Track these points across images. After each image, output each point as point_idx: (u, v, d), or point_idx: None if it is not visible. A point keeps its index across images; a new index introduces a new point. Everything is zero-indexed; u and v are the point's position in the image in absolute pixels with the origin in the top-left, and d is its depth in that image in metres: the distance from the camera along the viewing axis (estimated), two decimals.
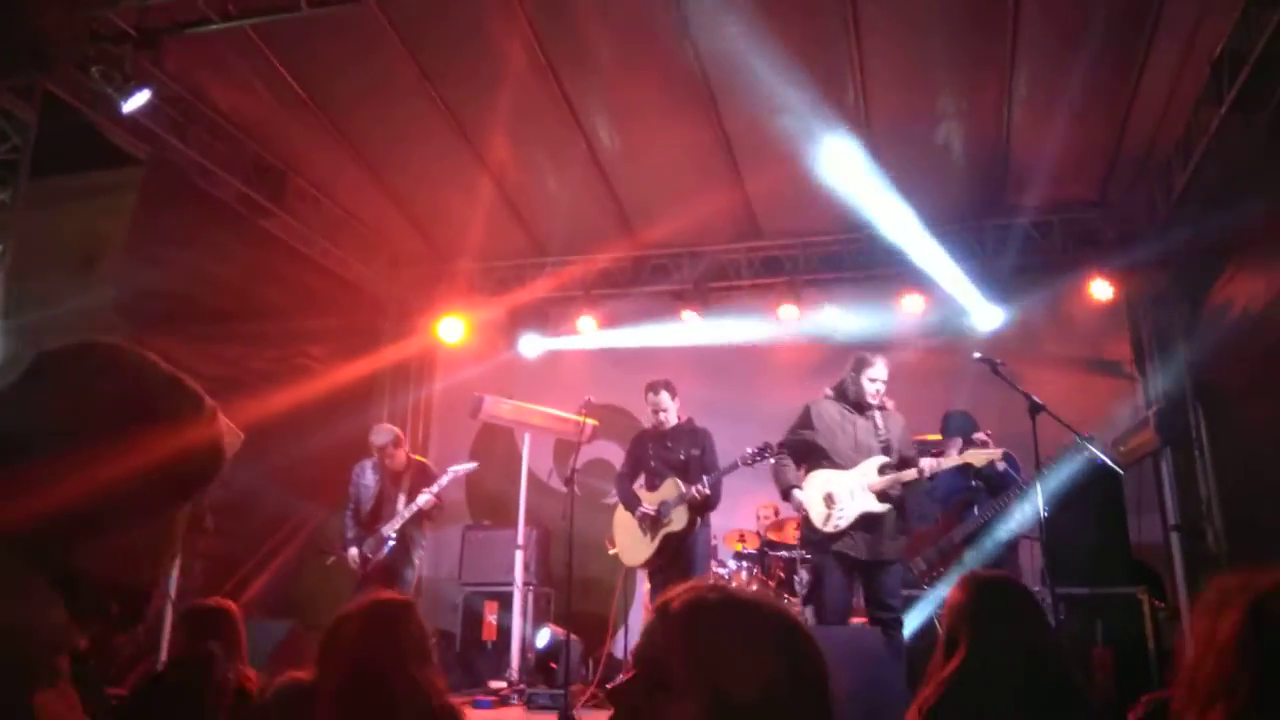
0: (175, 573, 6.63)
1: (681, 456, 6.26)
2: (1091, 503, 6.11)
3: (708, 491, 6.04)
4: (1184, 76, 6.35)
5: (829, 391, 5.80)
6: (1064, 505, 5.68)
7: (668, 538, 6.11)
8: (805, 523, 5.59)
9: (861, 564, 5.40)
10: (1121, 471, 6.13)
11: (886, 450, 5.53)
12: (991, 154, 7.52)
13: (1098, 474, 5.96)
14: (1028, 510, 5.66)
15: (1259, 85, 5.51)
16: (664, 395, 6.34)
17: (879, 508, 5.37)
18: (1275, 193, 5.72)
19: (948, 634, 2.67)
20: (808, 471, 5.65)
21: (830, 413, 5.66)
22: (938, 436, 6.43)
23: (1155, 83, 6.51)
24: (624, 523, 6.42)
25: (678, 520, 6.08)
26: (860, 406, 5.63)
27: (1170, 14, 5.87)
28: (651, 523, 6.17)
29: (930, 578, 5.97)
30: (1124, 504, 6.65)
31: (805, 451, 5.67)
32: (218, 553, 7.98)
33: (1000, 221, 8.21)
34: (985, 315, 7.98)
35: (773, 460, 5.78)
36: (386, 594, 2.62)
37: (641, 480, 6.47)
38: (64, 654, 1.01)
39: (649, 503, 6.22)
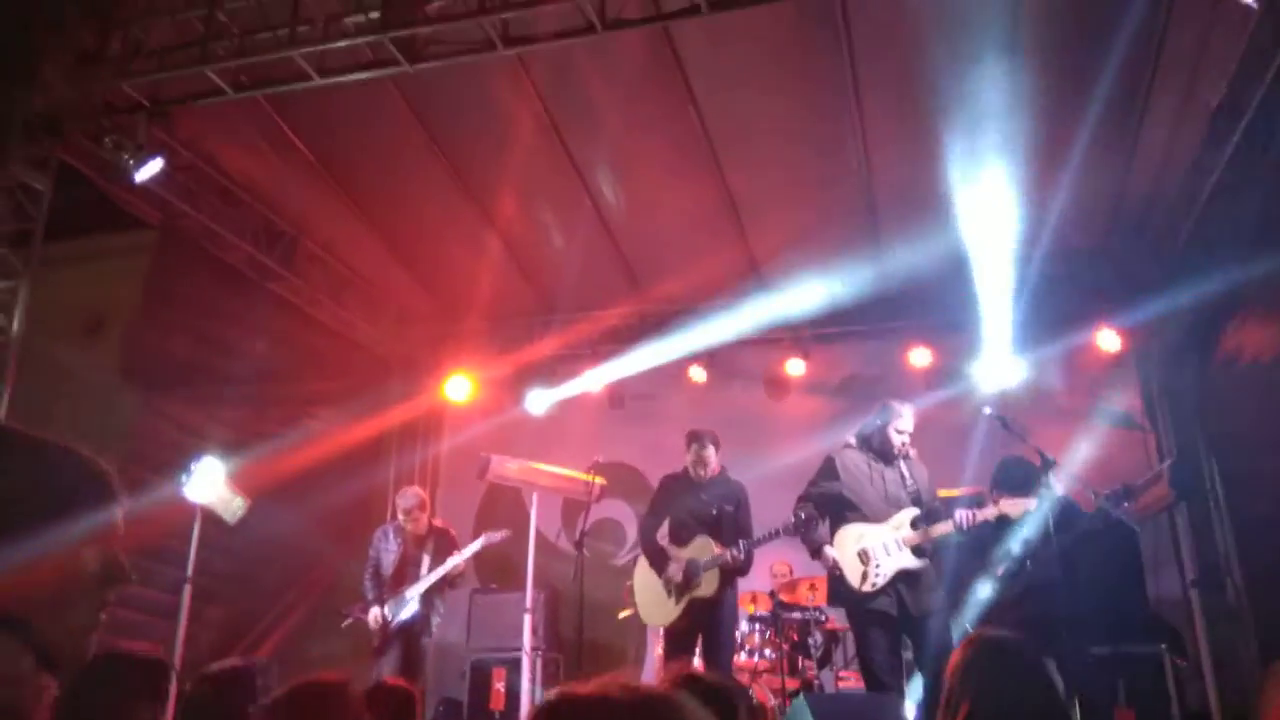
0: (180, 643, 6.54)
1: (714, 511, 5.77)
2: (1109, 559, 5.99)
3: (743, 557, 5.60)
4: (1184, 126, 6.40)
5: (851, 440, 5.54)
6: (1081, 560, 5.56)
7: (694, 602, 5.64)
8: (837, 581, 5.27)
9: (905, 621, 5.12)
10: (1137, 529, 6.02)
11: (917, 501, 5.28)
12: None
13: (1114, 530, 5.87)
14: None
15: (1259, 134, 5.55)
16: (710, 449, 5.90)
17: (917, 563, 5.12)
18: (1277, 240, 5.72)
19: (948, 695, 2.61)
20: (833, 525, 5.37)
21: (857, 463, 5.40)
22: (954, 492, 6.28)
23: (1156, 133, 6.56)
24: (645, 579, 5.93)
25: (707, 585, 5.61)
26: (886, 457, 5.38)
27: (1168, 64, 5.93)
28: (678, 585, 5.67)
29: None
30: (1141, 560, 6.53)
31: (830, 504, 5.39)
32: (222, 620, 7.90)
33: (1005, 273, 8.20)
34: (994, 368, 7.93)
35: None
36: (315, 677, 2.51)
37: (665, 531, 5.94)
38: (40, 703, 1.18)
39: (676, 560, 5.73)
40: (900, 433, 5.38)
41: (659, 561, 5.79)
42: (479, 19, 5.31)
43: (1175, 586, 7.22)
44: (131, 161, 6.13)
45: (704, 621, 5.65)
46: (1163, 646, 5.89)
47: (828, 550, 5.31)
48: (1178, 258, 7.26)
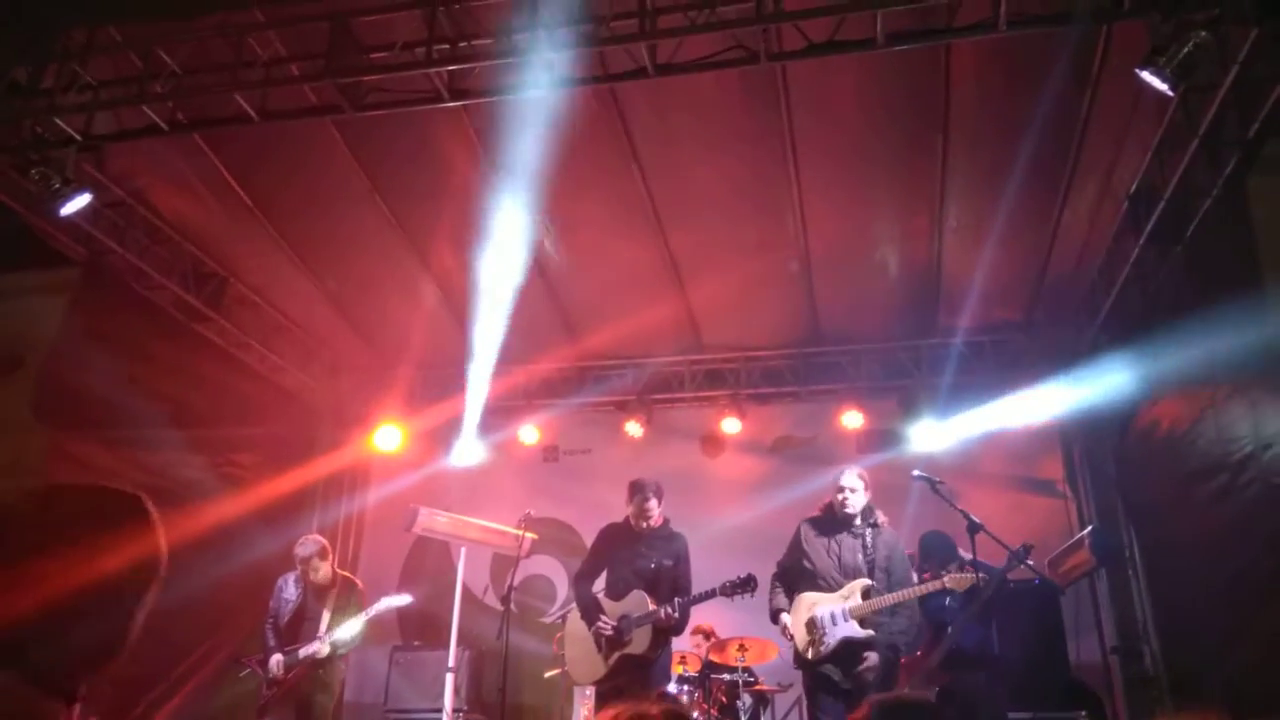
0: (79, 699, 6.19)
1: (653, 565, 5.63)
2: (1031, 624, 6.07)
3: (677, 615, 5.45)
4: (1103, 208, 6.69)
5: (819, 511, 5.61)
6: (1004, 621, 5.63)
7: (624, 659, 5.48)
8: (794, 646, 5.37)
9: (845, 692, 5.11)
10: (1062, 591, 6.14)
11: (873, 570, 5.27)
12: (924, 278, 7.78)
13: (1037, 594, 5.96)
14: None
15: (1173, 218, 5.82)
16: (653, 501, 5.72)
17: (861, 634, 5.12)
18: (1194, 320, 5.97)
19: None
20: (797, 594, 5.43)
21: (816, 532, 5.47)
22: None
23: (1077, 214, 6.85)
24: (576, 633, 5.76)
25: (639, 642, 5.45)
26: (844, 523, 5.41)
27: (1089, 151, 6.23)
28: (608, 641, 5.51)
29: None
30: (1062, 623, 6.64)
31: (794, 574, 5.46)
32: (128, 674, 7.52)
33: (934, 341, 8.43)
34: (923, 433, 8.07)
35: (751, 594, 5.46)
36: None
37: (602, 583, 5.82)
38: None
39: (610, 614, 5.55)
40: (840, 491, 5.40)
41: (591, 614, 5.62)
42: (425, 70, 5.33)
43: (1096, 652, 7.34)
44: (58, 196, 5.96)
45: (633, 681, 5.46)
46: (1083, 713, 5.97)
47: (784, 617, 5.36)
48: (1098, 333, 7.52)
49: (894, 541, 5.45)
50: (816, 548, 5.41)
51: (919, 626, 5.48)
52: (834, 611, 5.20)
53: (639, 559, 5.70)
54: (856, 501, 5.40)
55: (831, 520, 5.47)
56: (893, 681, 5.23)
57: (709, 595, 5.50)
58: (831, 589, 5.28)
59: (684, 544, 5.81)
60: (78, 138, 6.01)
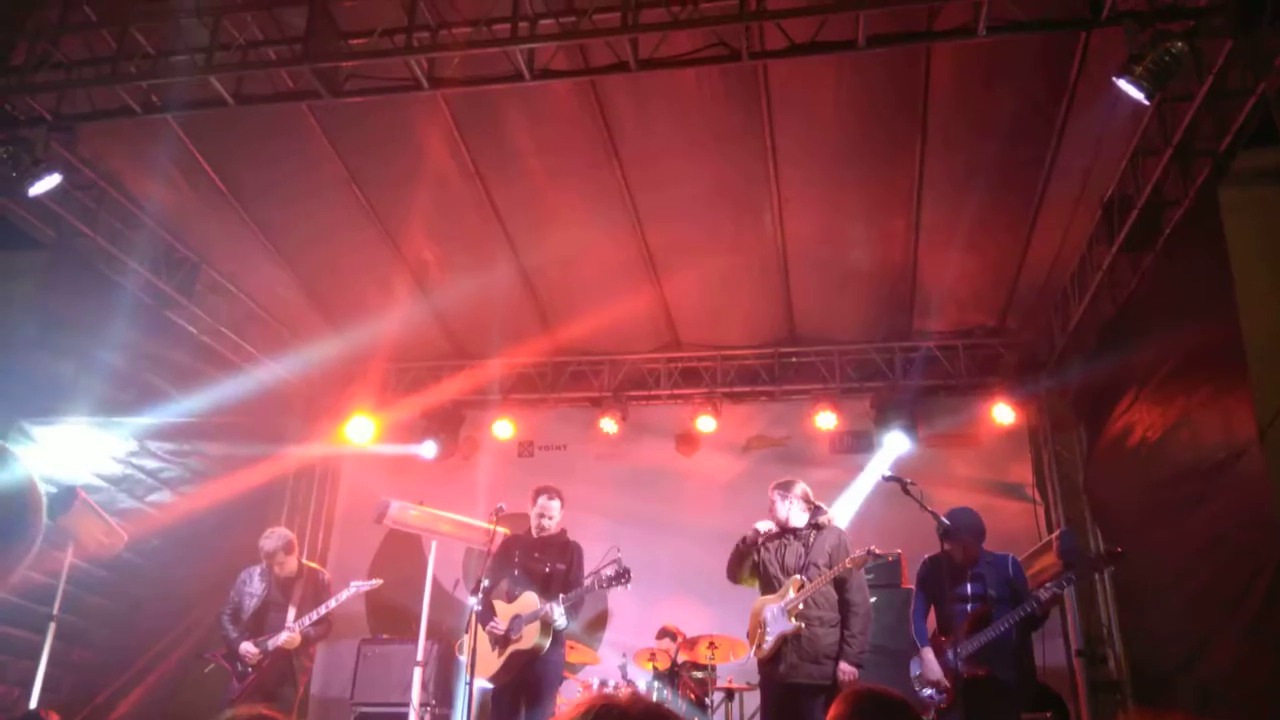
0: (39, 685, 6.10)
1: (547, 569, 5.90)
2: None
3: (561, 609, 5.67)
4: (1078, 216, 6.74)
5: None
6: None
7: (515, 655, 5.73)
8: None
9: (786, 687, 5.37)
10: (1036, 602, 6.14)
11: (806, 568, 5.55)
12: (899, 280, 7.80)
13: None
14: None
15: (1146, 227, 5.88)
16: (556, 503, 6.04)
17: (791, 627, 5.38)
18: (1165, 328, 6.03)
19: None
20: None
21: (771, 540, 5.81)
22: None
23: (1051, 220, 6.89)
24: (481, 633, 6.04)
25: (527, 638, 5.70)
26: (793, 530, 5.73)
27: (1064, 159, 6.27)
28: (500, 637, 5.78)
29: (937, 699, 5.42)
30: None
31: (764, 584, 5.78)
32: (90, 663, 7.42)
33: (907, 344, 8.48)
34: (896, 435, 8.11)
35: (625, 586, 5.62)
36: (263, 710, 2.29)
37: (504, 588, 5.99)
38: None
39: (503, 616, 5.81)
40: (772, 511, 5.75)
41: (485, 616, 5.87)
42: (405, 57, 5.27)
43: (1060, 655, 7.40)
44: (26, 176, 5.84)
45: (524, 676, 5.68)
46: (1049, 715, 6.02)
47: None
48: (1069, 338, 7.58)
49: (836, 540, 5.68)
50: (768, 555, 5.75)
51: (868, 619, 5.50)
52: (773, 610, 5.53)
53: (533, 563, 5.96)
54: (780, 510, 5.74)
55: (783, 529, 5.77)
56: (830, 677, 5.31)
57: (587, 590, 5.71)
58: (776, 590, 5.62)
59: (578, 550, 6.03)
60: (49, 117, 5.90)
